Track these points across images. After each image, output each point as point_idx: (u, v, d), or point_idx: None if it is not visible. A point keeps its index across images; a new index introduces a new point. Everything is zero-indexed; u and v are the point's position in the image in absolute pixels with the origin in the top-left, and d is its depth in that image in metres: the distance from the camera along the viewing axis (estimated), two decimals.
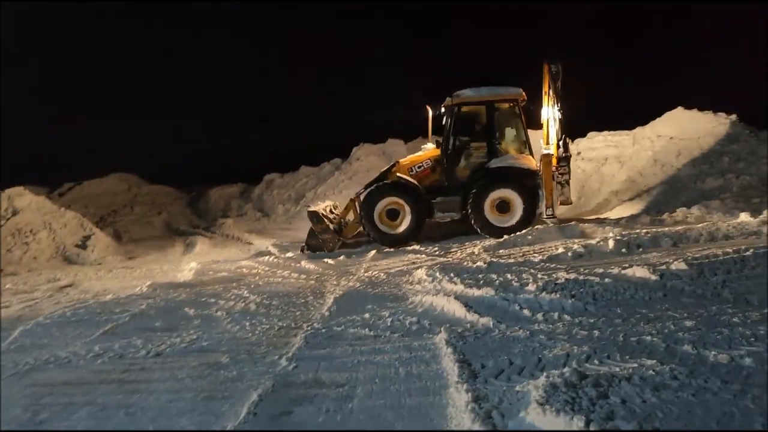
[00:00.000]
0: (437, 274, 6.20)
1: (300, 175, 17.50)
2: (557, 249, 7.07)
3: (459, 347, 3.89)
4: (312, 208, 9.86)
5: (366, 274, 7.21)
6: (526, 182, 9.35)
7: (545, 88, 9.55)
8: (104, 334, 5.18)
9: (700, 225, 7.80)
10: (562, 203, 9.61)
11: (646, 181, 12.08)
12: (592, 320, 4.22)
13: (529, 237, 8.19)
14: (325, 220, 9.75)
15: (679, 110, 13.31)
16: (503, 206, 9.39)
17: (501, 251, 7.69)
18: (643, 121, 13.71)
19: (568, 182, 9.50)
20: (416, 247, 9.20)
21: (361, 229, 9.90)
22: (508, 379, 3.27)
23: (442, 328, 4.33)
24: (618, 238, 7.03)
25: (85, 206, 17.57)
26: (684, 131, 12.76)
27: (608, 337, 3.79)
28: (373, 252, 9.10)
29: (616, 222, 9.21)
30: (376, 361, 3.85)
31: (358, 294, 6.08)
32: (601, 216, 10.81)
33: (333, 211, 10.26)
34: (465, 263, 6.98)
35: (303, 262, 8.64)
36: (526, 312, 4.55)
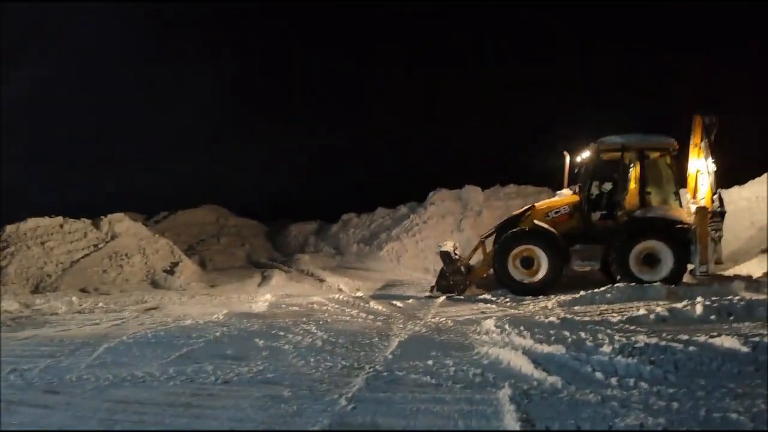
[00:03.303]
0: (506, 326, 6.02)
1: (376, 216, 17.74)
2: (638, 310, 6.69)
3: (523, 405, 3.73)
4: (444, 249, 9.64)
5: (433, 320, 7.13)
6: (678, 235, 8.90)
7: (696, 140, 9.30)
8: (179, 358, 5.42)
9: None
10: (715, 262, 8.97)
11: (743, 244, 11.24)
12: (671, 390, 3.92)
13: (608, 295, 7.82)
14: (456, 261, 9.60)
15: None
16: (651, 259, 8.97)
17: (576, 308, 7.38)
18: (740, 181, 12.88)
19: (720, 239, 9.02)
20: (487, 296, 9.01)
21: (489, 272, 9.72)
22: None
23: (506, 384, 4.18)
24: (707, 303, 6.55)
25: (176, 234, 18.67)
26: None
27: (688, 411, 3.51)
28: (442, 298, 9.00)
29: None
30: (436, 410, 3.76)
31: (424, 339, 6.01)
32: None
33: (457, 252, 10.00)
34: (537, 317, 6.75)
35: (372, 303, 8.69)
36: (598, 375, 4.30)
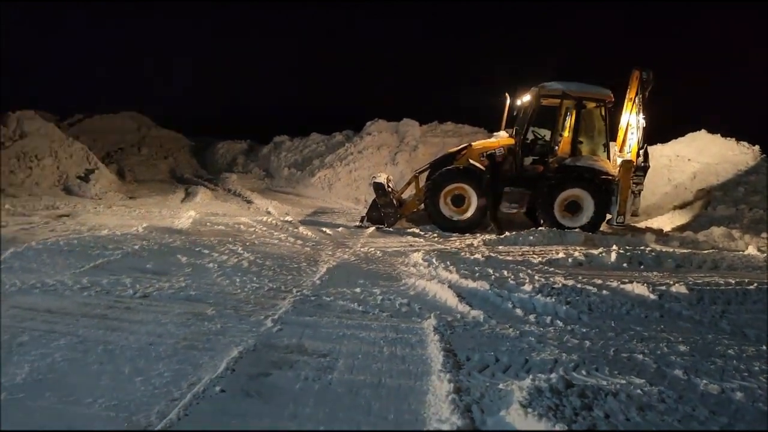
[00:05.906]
0: (434, 260, 6.13)
1: (309, 141, 17.28)
2: (558, 254, 7.00)
3: (446, 336, 3.83)
4: (377, 180, 9.45)
5: (362, 249, 7.14)
6: (602, 186, 9.15)
7: (631, 95, 9.37)
8: (94, 268, 5.14)
9: (705, 251, 7.70)
10: (632, 214, 9.35)
11: (658, 199, 11.94)
12: (584, 330, 4.15)
13: (531, 238, 8.10)
14: (389, 194, 9.43)
15: (702, 133, 13.09)
16: (573, 206, 9.20)
17: (500, 247, 7.61)
18: (664, 139, 13.50)
19: (640, 193, 9.29)
20: (416, 230, 9.12)
21: (419, 207, 9.65)
22: (492, 376, 3.22)
23: (431, 315, 4.27)
24: (621, 251, 6.94)
25: (93, 140, 17.43)
26: (702, 155, 12.58)
27: (599, 349, 3.73)
28: (372, 229, 9.03)
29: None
30: (362, 336, 3.79)
31: (352, 267, 6.02)
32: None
33: (390, 184, 9.83)
34: (463, 254, 6.91)
35: (301, 228, 8.58)
36: (518, 311, 4.48)
